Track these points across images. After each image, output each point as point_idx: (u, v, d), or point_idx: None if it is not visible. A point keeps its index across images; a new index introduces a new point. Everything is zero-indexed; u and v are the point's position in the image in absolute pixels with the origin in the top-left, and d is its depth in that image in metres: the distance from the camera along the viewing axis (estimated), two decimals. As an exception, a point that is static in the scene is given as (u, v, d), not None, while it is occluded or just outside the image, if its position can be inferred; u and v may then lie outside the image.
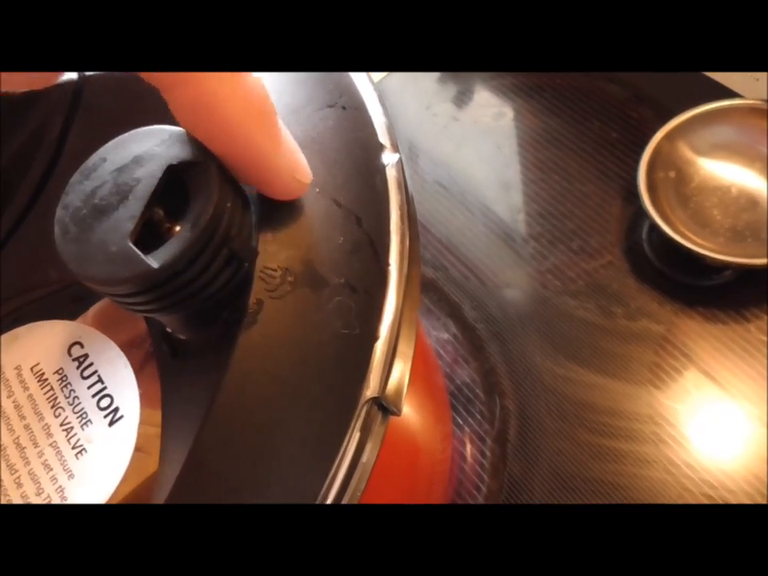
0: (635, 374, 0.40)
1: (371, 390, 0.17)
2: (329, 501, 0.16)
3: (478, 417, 0.41)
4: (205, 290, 0.15)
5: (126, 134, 0.15)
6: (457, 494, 0.40)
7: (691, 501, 0.36)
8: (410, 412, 0.31)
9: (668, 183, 0.41)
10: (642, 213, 0.41)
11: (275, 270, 0.16)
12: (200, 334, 0.17)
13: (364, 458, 0.17)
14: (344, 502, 0.17)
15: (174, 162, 0.15)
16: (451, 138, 0.52)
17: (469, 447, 0.41)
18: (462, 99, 0.54)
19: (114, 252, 0.14)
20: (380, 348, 0.17)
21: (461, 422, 0.41)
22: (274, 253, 0.16)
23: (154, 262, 0.14)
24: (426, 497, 0.37)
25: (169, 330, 0.17)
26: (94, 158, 0.15)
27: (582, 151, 0.48)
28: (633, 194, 0.43)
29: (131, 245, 0.14)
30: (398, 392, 0.18)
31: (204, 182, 0.14)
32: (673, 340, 0.40)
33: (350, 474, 0.17)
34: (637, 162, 0.41)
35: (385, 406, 0.18)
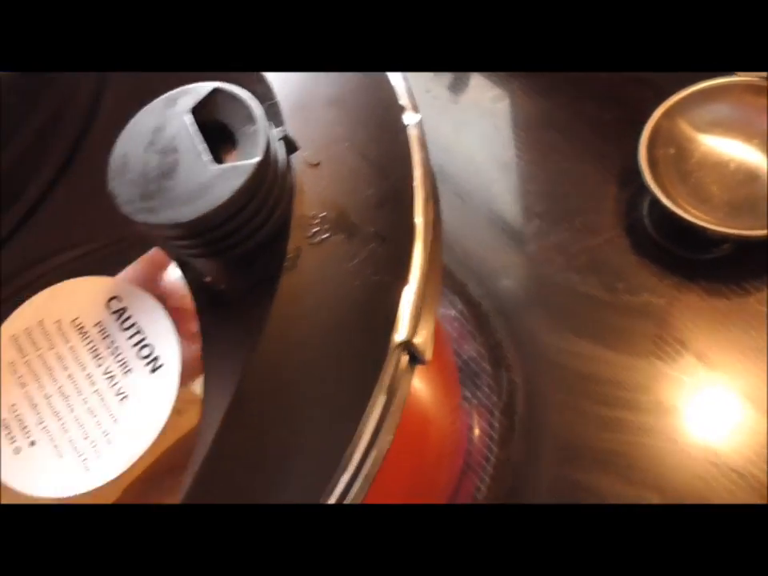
0: (638, 347, 0.41)
1: (401, 334, 0.17)
2: (362, 446, 0.17)
3: (486, 390, 0.42)
4: (257, 231, 0.16)
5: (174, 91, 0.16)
6: (466, 465, 0.41)
7: (695, 468, 0.37)
8: (420, 385, 0.32)
9: (668, 160, 0.42)
10: (641, 191, 0.42)
11: (312, 218, 0.17)
12: (240, 283, 0.18)
13: (393, 405, 0.18)
14: (374, 451, 0.18)
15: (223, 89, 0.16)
16: (450, 121, 0.53)
17: (477, 419, 0.42)
18: (460, 82, 0.55)
19: (192, 186, 0.15)
20: (409, 294, 0.18)
21: (468, 395, 0.42)
22: (310, 201, 0.17)
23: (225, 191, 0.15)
24: (437, 469, 0.38)
25: (208, 280, 0.18)
26: (151, 105, 0.16)
27: (580, 132, 0.49)
28: (631, 173, 0.44)
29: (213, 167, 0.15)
30: (426, 339, 0.19)
31: (251, 123, 0.15)
32: (674, 313, 0.41)
33: (382, 418, 0.17)
34: (634, 141, 0.42)
35: (413, 353, 0.18)
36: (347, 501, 0.17)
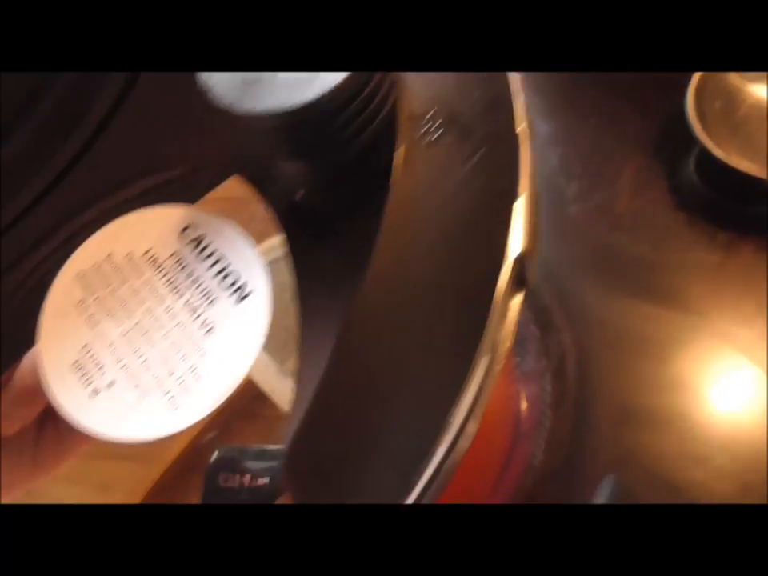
0: (693, 304, 0.39)
1: (518, 246, 0.16)
2: (478, 376, 0.16)
3: (535, 354, 0.40)
4: (365, 127, 0.14)
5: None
6: (518, 433, 0.40)
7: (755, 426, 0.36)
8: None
9: (715, 113, 0.41)
10: (686, 147, 0.41)
11: (422, 116, 0.15)
12: (339, 196, 0.16)
13: (502, 333, 0.17)
14: (489, 380, 0.16)
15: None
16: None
17: (527, 385, 0.40)
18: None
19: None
20: (520, 206, 0.16)
21: (518, 360, 0.40)
22: (418, 98, 0.15)
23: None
24: (492, 435, 0.37)
25: (300, 195, 0.17)
26: None
27: (618, 90, 0.47)
28: (673, 129, 0.42)
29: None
30: (535, 257, 0.17)
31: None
32: (729, 269, 0.40)
33: (494, 349, 0.16)
34: (674, 98, 0.40)
35: (522, 274, 0.17)
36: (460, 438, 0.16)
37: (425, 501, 0.16)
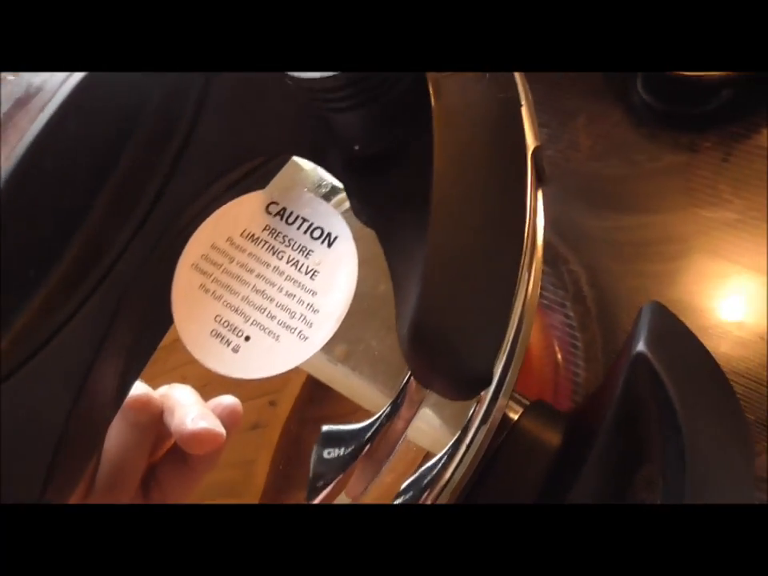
0: (674, 203, 0.44)
1: (532, 141, 0.20)
2: (527, 255, 0.20)
3: (551, 288, 0.45)
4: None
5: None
6: (556, 363, 0.44)
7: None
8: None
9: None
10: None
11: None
12: (392, 136, 0.20)
13: (538, 207, 0.21)
14: (537, 250, 0.20)
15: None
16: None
17: (553, 316, 0.44)
18: None
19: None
20: (525, 110, 0.21)
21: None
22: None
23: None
24: (538, 366, 0.41)
25: (357, 148, 0.21)
26: None
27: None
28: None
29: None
30: (541, 149, 0.21)
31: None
32: (697, 165, 0.44)
33: (533, 221, 0.20)
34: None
35: (539, 165, 0.21)
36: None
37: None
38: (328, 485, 0.19)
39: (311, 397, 0.20)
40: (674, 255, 0.43)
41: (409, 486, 0.19)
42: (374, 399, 0.19)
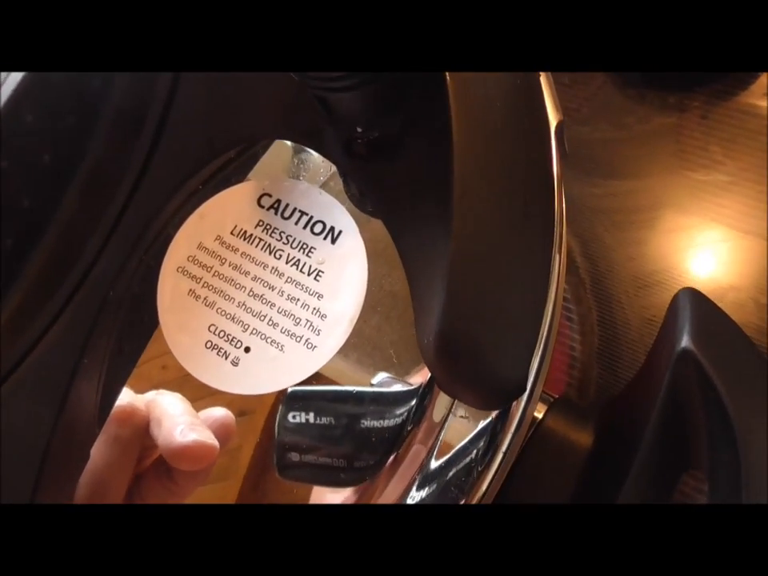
0: (666, 165, 0.42)
1: (555, 115, 0.18)
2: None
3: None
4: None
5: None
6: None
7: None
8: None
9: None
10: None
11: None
12: (397, 116, 0.18)
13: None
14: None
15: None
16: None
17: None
18: None
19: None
20: (545, 84, 0.19)
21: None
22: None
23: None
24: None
25: (360, 131, 0.18)
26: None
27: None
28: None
29: None
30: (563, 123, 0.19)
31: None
32: (686, 125, 0.43)
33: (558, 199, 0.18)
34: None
35: (562, 138, 0.19)
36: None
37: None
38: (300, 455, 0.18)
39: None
40: (668, 221, 0.42)
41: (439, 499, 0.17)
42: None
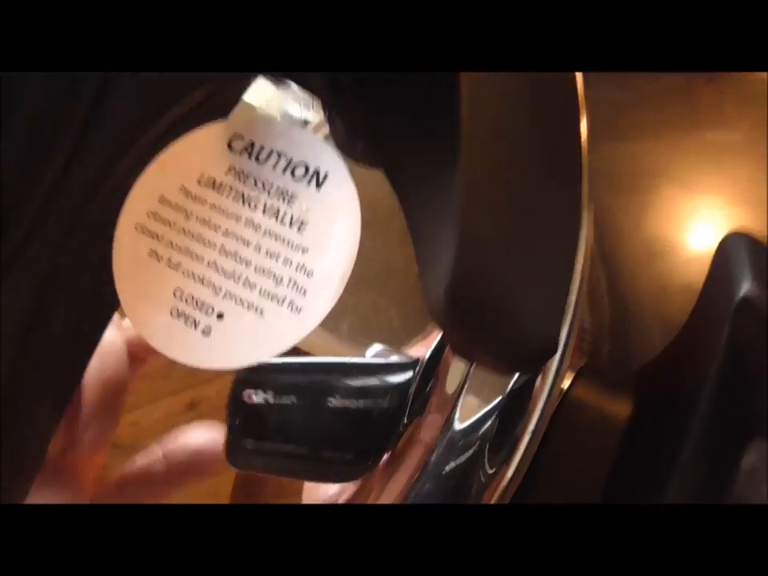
0: (673, 127, 0.40)
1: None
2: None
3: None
4: None
5: None
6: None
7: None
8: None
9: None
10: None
11: None
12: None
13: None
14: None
15: None
16: None
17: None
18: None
19: None
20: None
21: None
22: None
23: None
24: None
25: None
26: None
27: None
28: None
29: None
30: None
31: None
32: (697, 83, 0.40)
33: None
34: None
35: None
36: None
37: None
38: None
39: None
40: (680, 184, 0.39)
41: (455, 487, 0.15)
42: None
